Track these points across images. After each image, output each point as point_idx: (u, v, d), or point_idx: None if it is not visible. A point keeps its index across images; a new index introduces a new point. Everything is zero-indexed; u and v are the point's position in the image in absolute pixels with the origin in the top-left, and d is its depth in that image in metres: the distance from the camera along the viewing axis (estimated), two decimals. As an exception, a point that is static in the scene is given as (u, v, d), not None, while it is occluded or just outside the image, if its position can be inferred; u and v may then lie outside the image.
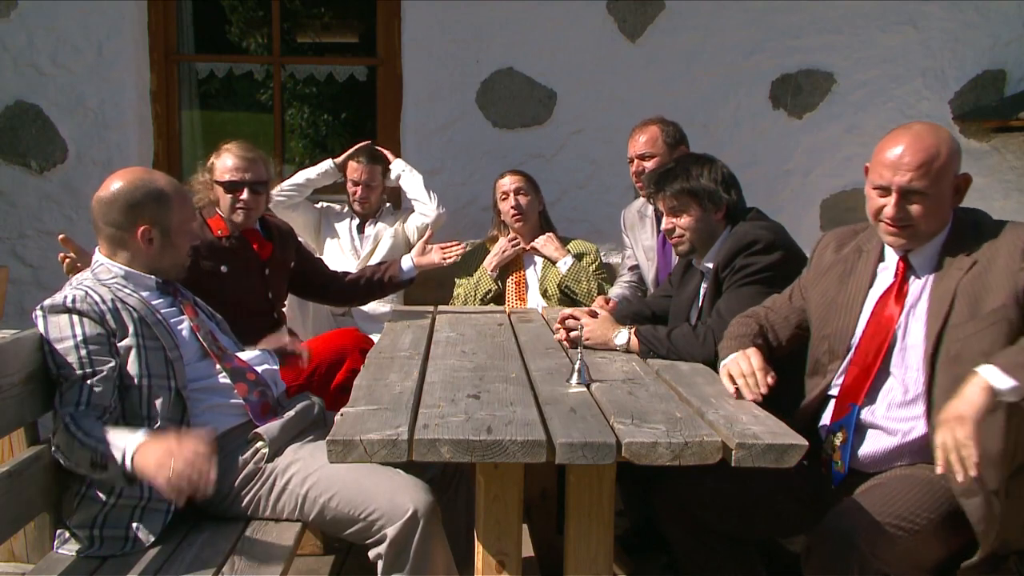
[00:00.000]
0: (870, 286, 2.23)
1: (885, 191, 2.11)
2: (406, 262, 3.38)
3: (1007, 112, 4.38)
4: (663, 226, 2.85)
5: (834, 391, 2.24)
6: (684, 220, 2.77)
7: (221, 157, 3.16)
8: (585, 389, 2.22)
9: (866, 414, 2.16)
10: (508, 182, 3.95)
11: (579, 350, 2.34)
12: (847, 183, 4.64)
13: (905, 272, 2.17)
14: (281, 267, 3.31)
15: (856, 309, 2.22)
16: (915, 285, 2.15)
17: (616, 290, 3.77)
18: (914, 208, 2.09)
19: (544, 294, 3.87)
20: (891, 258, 2.22)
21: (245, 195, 3.09)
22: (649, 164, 3.51)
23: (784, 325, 2.42)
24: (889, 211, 2.11)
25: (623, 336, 2.67)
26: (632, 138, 3.63)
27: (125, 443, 2.01)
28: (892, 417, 2.12)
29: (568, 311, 2.86)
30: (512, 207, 3.92)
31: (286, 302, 3.86)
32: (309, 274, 3.44)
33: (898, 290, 2.16)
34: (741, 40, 4.52)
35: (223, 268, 3.08)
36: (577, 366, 2.28)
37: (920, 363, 2.09)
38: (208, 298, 2.67)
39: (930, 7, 4.52)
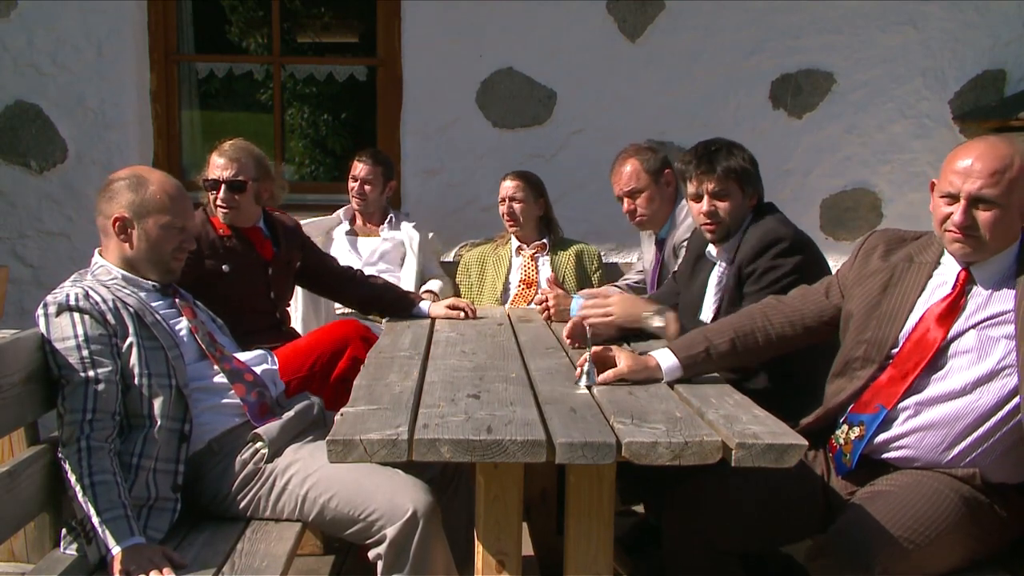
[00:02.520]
0: (918, 296, 2.18)
1: (953, 199, 2.06)
2: (424, 306, 3.37)
3: (1007, 112, 4.38)
4: (702, 208, 2.74)
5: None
6: (726, 204, 2.71)
7: (211, 156, 3.20)
8: (593, 391, 2.18)
9: (893, 415, 2.13)
10: (505, 187, 3.96)
11: (587, 351, 2.30)
12: (847, 183, 4.65)
13: (965, 284, 2.12)
14: (285, 267, 3.30)
15: (901, 319, 2.17)
16: (975, 299, 2.11)
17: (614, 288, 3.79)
18: (981, 216, 2.04)
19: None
20: (950, 270, 2.16)
21: (221, 193, 3.12)
22: (639, 199, 3.49)
23: (814, 317, 2.37)
24: (957, 218, 2.05)
25: (659, 320, 2.55)
26: (614, 174, 3.57)
27: (118, 537, 2.01)
28: (921, 422, 2.11)
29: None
30: (506, 213, 3.95)
31: (299, 299, 3.87)
32: (318, 272, 3.43)
33: (953, 302, 2.11)
34: (741, 40, 4.52)
35: (225, 267, 3.09)
36: (586, 367, 2.24)
37: (968, 374, 2.07)
38: (211, 296, 2.67)
39: (930, 7, 4.52)
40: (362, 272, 3.53)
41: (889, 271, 2.26)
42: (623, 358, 2.26)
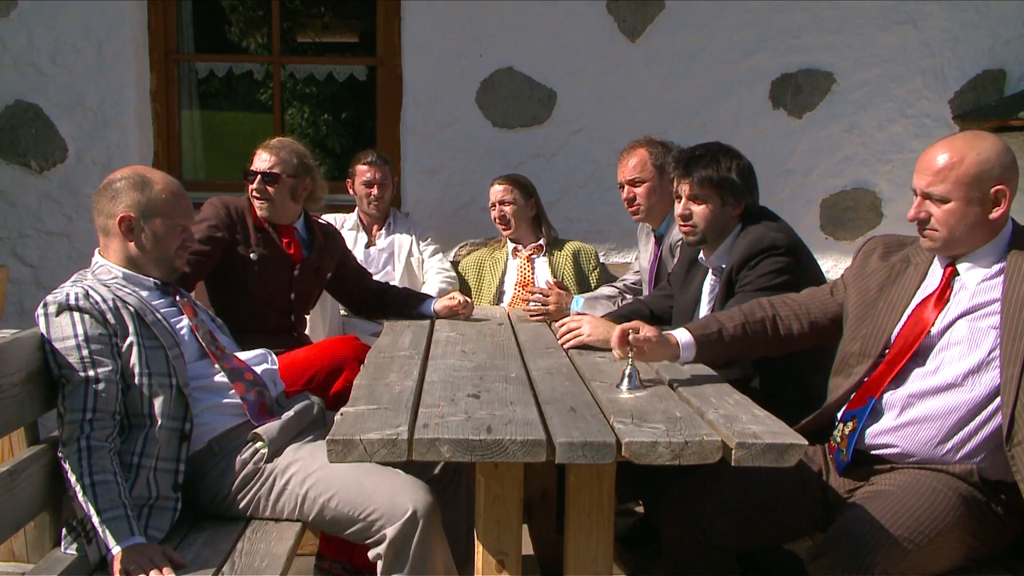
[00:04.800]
0: (914, 294, 2.22)
1: (916, 195, 2.17)
2: (428, 306, 3.38)
3: (1007, 112, 4.38)
4: (678, 210, 2.81)
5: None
6: (701, 209, 2.75)
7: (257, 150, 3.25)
8: (636, 395, 2.17)
9: (881, 406, 2.15)
10: (494, 192, 3.99)
11: (630, 355, 2.27)
12: (847, 183, 4.65)
13: (951, 278, 2.16)
14: (313, 273, 3.29)
15: (896, 315, 2.21)
16: (961, 292, 2.13)
17: (604, 290, 3.79)
18: (934, 212, 2.11)
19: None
20: (939, 266, 2.21)
21: (255, 183, 3.16)
22: (639, 189, 3.49)
23: (821, 314, 2.42)
24: (910, 212, 2.16)
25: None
26: (621, 162, 3.58)
27: (118, 537, 2.01)
28: (915, 415, 2.12)
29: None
30: (498, 217, 3.98)
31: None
32: (349, 287, 3.46)
33: (939, 295, 2.15)
34: (741, 40, 4.52)
35: (252, 256, 3.12)
36: (628, 371, 2.23)
37: (960, 366, 2.08)
38: (234, 283, 2.69)
39: (930, 7, 4.52)
40: (389, 288, 3.54)
41: (887, 270, 2.31)
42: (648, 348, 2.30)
